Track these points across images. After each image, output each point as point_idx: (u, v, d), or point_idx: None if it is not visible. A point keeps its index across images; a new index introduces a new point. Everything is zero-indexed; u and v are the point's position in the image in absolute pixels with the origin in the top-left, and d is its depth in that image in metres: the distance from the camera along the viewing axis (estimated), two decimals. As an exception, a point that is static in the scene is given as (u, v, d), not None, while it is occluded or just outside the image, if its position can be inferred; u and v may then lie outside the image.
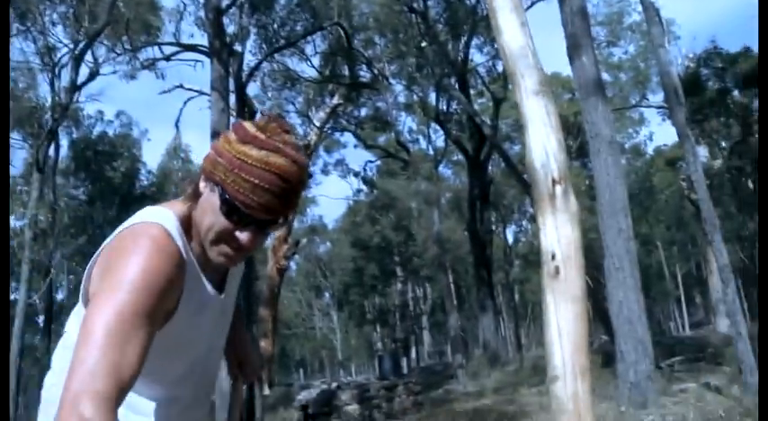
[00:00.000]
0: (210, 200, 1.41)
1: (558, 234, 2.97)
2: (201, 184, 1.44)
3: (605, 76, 25.90)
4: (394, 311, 43.33)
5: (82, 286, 1.46)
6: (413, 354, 42.99)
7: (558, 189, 3.03)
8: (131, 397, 1.41)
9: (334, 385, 14.87)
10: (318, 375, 49.65)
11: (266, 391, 16.77)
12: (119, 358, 1.20)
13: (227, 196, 1.37)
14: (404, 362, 35.24)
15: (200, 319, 1.53)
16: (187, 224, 1.46)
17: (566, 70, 23.19)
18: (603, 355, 13.85)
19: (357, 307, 46.47)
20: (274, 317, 14.34)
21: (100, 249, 1.42)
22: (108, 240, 1.41)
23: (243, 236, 1.41)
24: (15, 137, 25.38)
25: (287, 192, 1.38)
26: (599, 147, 10.04)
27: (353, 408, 13.42)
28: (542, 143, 3.13)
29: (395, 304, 42.98)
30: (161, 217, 1.41)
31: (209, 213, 1.41)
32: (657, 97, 34.25)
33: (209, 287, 1.52)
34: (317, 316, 53.79)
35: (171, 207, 1.48)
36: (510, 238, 43.33)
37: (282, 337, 49.26)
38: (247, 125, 1.42)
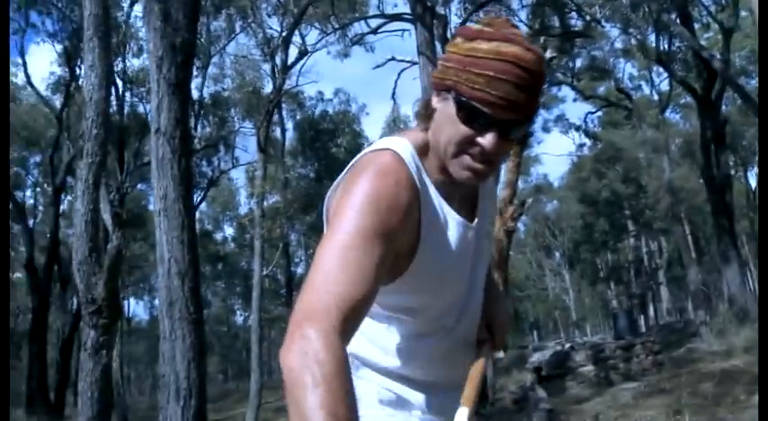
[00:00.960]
0: (446, 111, 1.32)
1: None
2: (434, 100, 1.35)
3: None
4: (628, 267, 41.64)
5: (324, 217, 1.43)
6: (650, 312, 41.05)
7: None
8: (381, 335, 1.45)
9: (567, 346, 14.47)
10: (552, 336, 49.02)
11: (500, 354, 16.69)
12: (346, 282, 1.15)
13: (464, 98, 1.27)
14: (641, 319, 33.75)
15: (452, 251, 1.41)
16: (425, 149, 1.38)
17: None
18: None
19: (589, 265, 45.24)
20: (505, 279, 14.14)
21: (338, 180, 1.37)
22: (344, 172, 1.36)
23: (485, 139, 1.28)
24: (247, 125, 27.27)
25: (526, 82, 1.25)
26: None
27: (588, 369, 12.94)
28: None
29: (628, 260, 41.27)
30: (393, 143, 1.34)
31: (447, 125, 1.31)
32: None
33: (455, 215, 1.41)
34: (548, 276, 53.20)
35: (405, 135, 1.40)
36: (753, 183, 39.86)
37: (515, 300, 49.18)
38: (472, 25, 1.34)
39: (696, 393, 8.96)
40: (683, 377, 10.58)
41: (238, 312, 53.52)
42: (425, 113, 1.37)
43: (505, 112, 1.25)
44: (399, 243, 1.28)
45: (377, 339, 1.47)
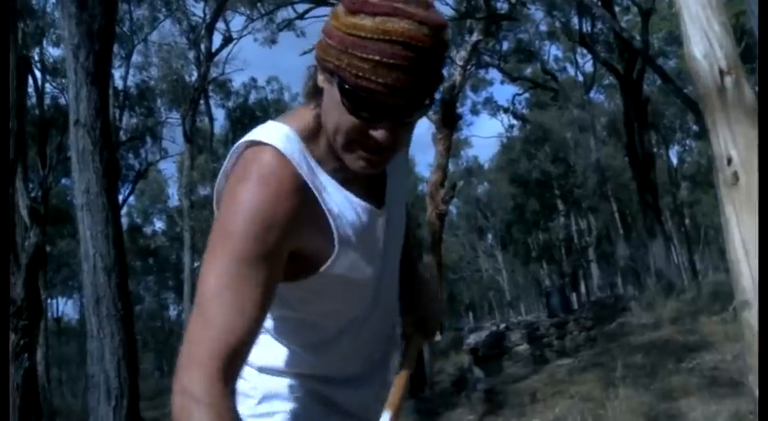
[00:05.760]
0: (331, 95, 1.12)
1: (732, 133, 2.48)
2: (320, 78, 1.16)
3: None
4: (559, 246, 42.40)
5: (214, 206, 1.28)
6: (582, 289, 42.00)
7: (729, 80, 2.52)
8: (286, 343, 1.38)
9: (503, 326, 14.63)
10: (488, 317, 49.68)
11: (437, 337, 16.80)
12: (232, 318, 1.07)
13: (347, 86, 1.07)
14: (573, 297, 34.47)
15: (365, 243, 1.27)
16: (315, 133, 1.21)
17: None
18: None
19: (521, 245, 45.91)
20: (439, 262, 14.15)
21: (223, 167, 1.22)
22: (226, 162, 1.22)
23: (377, 131, 1.10)
24: (174, 116, 26.68)
25: (419, 63, 1.05)
26: (769, 44, 8.96)
27: (524, 348, 13.14)
28: (702, 29, 2.61)
29: (559, 239, 42.00)
30: (275, 136, 1.17)
31: (332, 112, 1.13)
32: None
33: (361, 202, 1.25)
34: (481, 257, 53.71)
35: (291, 119, 1.22)
36: (674, 160, 41.12)
37: (449, 282, 49.62)
38: None
39: (628, 365, 9.16)
40: (615, 350, 10.82)
41: (171, 307, 52.60)
42: (314, 92, 1.19)
43: (396, 99, 1.07)
44: (304, 248, 1.20)
45: (281, 348, 1.40)
